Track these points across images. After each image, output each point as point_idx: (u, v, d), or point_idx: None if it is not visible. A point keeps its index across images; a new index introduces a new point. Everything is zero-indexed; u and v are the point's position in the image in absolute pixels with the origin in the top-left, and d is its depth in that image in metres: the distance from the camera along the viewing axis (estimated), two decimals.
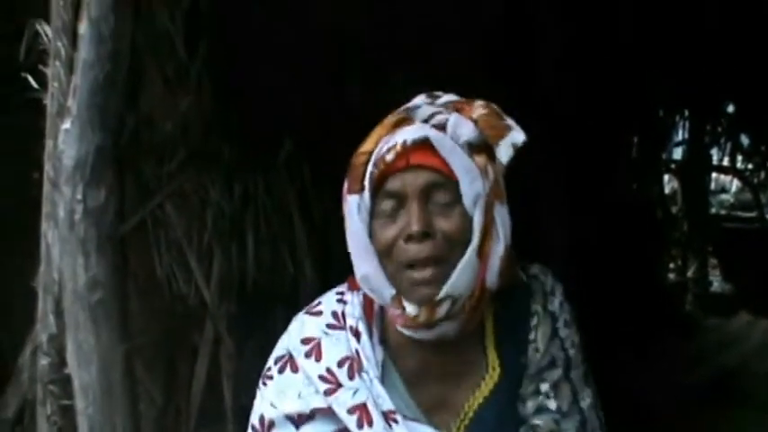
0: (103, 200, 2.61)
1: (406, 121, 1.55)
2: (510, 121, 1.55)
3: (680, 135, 9.72)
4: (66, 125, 2.58)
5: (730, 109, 9.24)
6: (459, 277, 1.47)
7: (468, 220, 1.48)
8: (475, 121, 1.53)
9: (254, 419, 1.64)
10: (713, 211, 10.58)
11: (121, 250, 2.76)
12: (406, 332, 1.54)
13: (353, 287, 1.66)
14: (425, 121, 1.55)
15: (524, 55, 4.77)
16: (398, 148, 1.48)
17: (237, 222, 3.30)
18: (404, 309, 1.50)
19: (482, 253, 1.49)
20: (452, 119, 1.53)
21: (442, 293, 1.47)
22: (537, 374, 1.58)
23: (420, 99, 1.59)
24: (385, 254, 1.50)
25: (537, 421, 1.56)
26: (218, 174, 3.21)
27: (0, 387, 3.22)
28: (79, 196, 2.57)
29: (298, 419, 1.59)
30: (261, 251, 3.39)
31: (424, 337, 1.53)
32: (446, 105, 1.56)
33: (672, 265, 9.13)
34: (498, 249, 1.51)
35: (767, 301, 7.62)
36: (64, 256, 2.64)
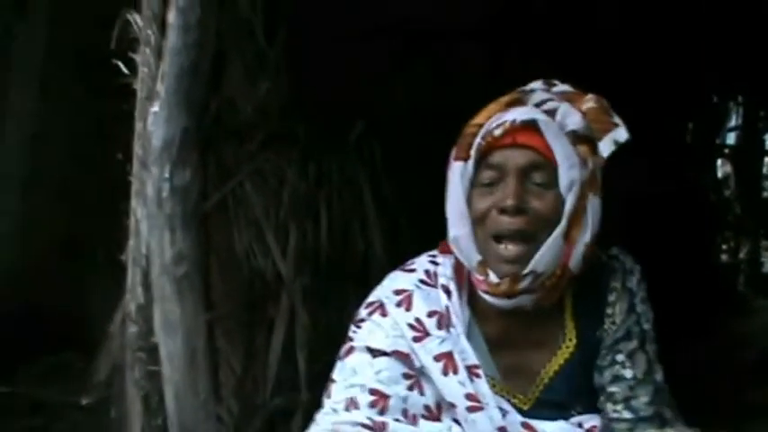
0: (189, 179, 2.74)
1: (518, 101, 1.64)
2: (617, 119, 1.63)
3: (733, 121, 9.61)
4: (155, 108, 2.70)
5: None
6: (544, 256, 1.54)
7: (560, 203, 1.56)
8: (583, 113, 1.61)
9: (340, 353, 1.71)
10: (766, 195, 10.45)
11: (204, 227, 2.87)
12: (487, 298, 1.60)
13: (445, 251, 1.73)
14: (537, 105, 1.64)
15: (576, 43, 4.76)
16: (507, 125, 1.56)
17: (312, 201, 3.34)
18: (487, 275, 1.58)
19: (569, 237, 1.56)
20: (563, 107, 1.62)
21: (526, 270, 1.54)
22: (613, 346, 1.64)
23: (536, 84, 1.68)
24: (478, 221, 1.58)
25: (613, 389, 1.63)
26: (294, 154, 3.25)
27: (92, 353, 3.36)
28: (167, 175, 2.70)
29: (375, 352, 1.65)
30: (333, 228, 3.40)
31: (502, 305, 1.59)
32: (559, 94, 1.65)
33: (724, 247, 9.06)
34: (585, 237, 1.58)
35: None
36: (152, 231, 2.77)
